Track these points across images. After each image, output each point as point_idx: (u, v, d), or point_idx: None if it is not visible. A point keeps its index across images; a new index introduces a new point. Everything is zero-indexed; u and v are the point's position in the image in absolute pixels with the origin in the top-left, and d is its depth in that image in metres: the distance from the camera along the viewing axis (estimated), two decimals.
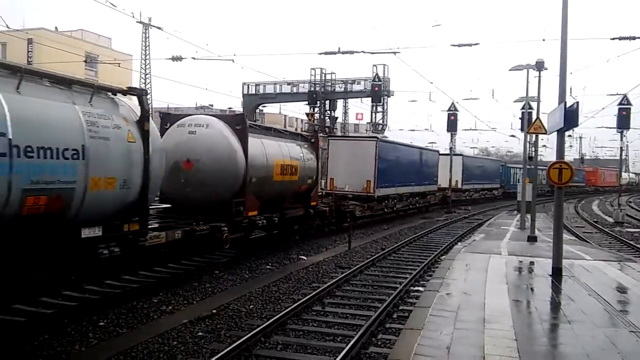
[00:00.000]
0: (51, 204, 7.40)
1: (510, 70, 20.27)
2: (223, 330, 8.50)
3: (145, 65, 43.97)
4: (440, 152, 38.74)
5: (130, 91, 9.78)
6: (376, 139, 25.02)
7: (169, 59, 25.62)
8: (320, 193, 21.06)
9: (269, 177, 14.57)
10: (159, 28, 24.15)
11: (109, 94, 9.20)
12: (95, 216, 8.42)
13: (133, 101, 9.85)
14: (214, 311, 9.40)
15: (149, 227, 10.19)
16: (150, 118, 9.81)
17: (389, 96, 41.92)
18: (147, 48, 43.90)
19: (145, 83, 43.61)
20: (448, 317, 7.82)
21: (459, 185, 41.43)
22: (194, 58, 24.66)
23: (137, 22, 29.39)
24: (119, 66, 32.27)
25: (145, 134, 9.26)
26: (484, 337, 6.90)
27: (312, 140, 18.58)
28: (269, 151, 14.61)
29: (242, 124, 13.41)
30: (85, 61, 38.63)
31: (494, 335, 6.95)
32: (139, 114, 9.39)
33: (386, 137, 41.43)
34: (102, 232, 8.64)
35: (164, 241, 10.38)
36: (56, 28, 46.83)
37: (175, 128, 13.16)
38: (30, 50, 40.72)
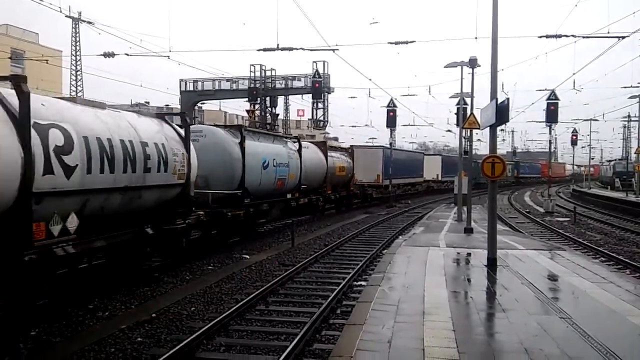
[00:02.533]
0: (281, 184, 19.52)
1: (445, 67, 20.66)
2: (164, 335, 8.30)
3: (76, 62, 42.23)
4: (425, 153, 55.49)
5: (295, 138, 23.50)
6: (382, 147, 38.94)
7: (101, 55, 24.66)
8: None
9: (335, 173, 27.70)
10: (90, 23, 22.98)
11: (289, 140, 22.32)
12: (289, 189, 20.71)
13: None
14: (154, 315, 9.17)
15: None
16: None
17: (329, 92, 42.06)
18: (78, 44, 42.15)
19: (76, 79, 41.86)
20: (389, 311, 7.95)
21: (439, 178, 54.03)
22: (127, 54, 23.82)
23: (66, 16, 28.08)
24: (47, 62, 30.79)
25: (300, 155, 21.90)
26: (424, 329, 7.07)
27: (350, 151, 32.45)
28: (334, 160, 27.85)
29: (324, 146, 26.93)
30: (10, 58, 36.63)
31: (433, 327, 7.13)
32: (297, 146, 22.09)
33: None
34: (291, 196, 20.96)
35: (302, 203, 22.44)
36: None
37: None
38: None
